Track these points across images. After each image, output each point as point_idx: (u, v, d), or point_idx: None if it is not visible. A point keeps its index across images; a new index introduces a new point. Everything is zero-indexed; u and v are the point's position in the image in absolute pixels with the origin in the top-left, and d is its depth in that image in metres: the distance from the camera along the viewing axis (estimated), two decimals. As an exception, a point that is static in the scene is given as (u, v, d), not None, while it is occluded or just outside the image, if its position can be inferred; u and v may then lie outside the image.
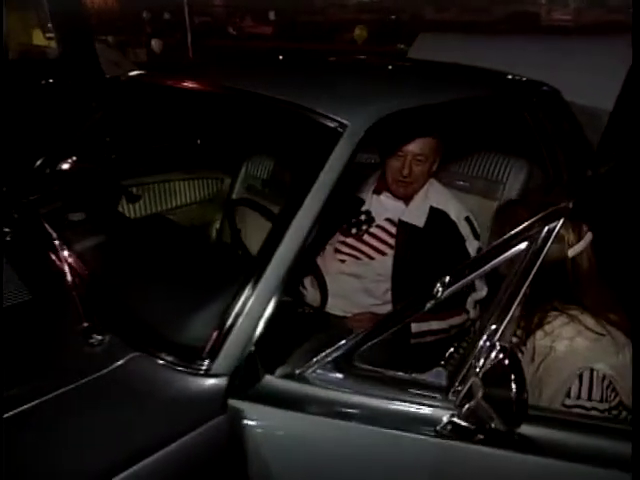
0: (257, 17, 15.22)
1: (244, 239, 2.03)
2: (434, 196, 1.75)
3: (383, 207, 1.79)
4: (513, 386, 0.77)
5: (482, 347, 0.84)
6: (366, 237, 1.77)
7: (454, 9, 14.18)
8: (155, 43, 7.51)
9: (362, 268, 1.74)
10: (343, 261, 1.76)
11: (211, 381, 0.97)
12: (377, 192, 1.81)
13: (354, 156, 1.17)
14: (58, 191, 1.77)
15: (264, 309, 1.03)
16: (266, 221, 2.17)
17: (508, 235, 0.91)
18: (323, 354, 0.98)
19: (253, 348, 1.01)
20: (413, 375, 0.92)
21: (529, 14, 12.05)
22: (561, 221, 0.89)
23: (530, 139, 1.86)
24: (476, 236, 1.71)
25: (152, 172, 2.36)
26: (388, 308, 1.73)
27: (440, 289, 0.90)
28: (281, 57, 1.78)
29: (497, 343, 0.82)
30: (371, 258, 1.74)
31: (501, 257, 0.90)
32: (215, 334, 1.01)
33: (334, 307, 1.74)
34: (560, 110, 1.95)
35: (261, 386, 0.98)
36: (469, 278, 0.91)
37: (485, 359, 0.82)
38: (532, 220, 0.91)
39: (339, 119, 1.20)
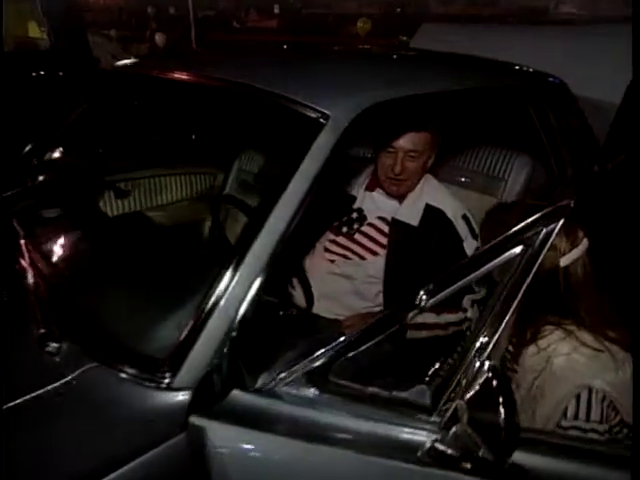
0: (262, 11, 15.09)
1: (235, 230, 1.94)
2: (430, 193, 1.65)
3: (376, 205, 1.70)
4: (502, 411, 0.67)
5: (469, 365, 0.74)
6: (357, 236, 1.67)
7: (460, 2, 13.98)
8: (159, 37, 7.40)
9: (353, 269, 1.64)
10: (333, 261, 1.67)
11: (172, 396, 0.88)
12: (369, 189, 1.71)
13: (339, 148, 1.08)
14: (36, 186, 1.70)
15: (233, 316, 0.94)
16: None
17: (502, 237, 0.81)
18: (296, 367, 0.89)
19: (220, 359, 0.92)
20: (394, 393, 0.83)
21: (537, 7, 11.84)
22: (561, 222, 0.80)
23: (534, 133, 1.76)
24: (474, 236, 1.61)
25: (142, 167, 2.29)
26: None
27: (424, 298, 0.81)
28: (266, 46, 1.69)
29: (486, 361, 0.73)
30: (362, 258, 1.65)
31: (493, 262, 0.80)
32: (178, 344, 0.92)
33: (323, 309, 1.66)
34: (566, 104, 1.85)
35: (227, 402, 0.89)
36: (457, 286, 0.82)
37: (472, 379, 0.73)
38: (529, 221, 0.82)
39: (321, 109, 1.11)
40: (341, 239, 1.69)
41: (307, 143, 1.07)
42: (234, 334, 0.94)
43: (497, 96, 1.60)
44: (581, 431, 0.95)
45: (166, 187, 2.42)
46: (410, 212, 1.63)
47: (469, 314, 1.55)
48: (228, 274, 0.96)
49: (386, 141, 1.54)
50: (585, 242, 1.07)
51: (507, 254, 0.80)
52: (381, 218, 1.67)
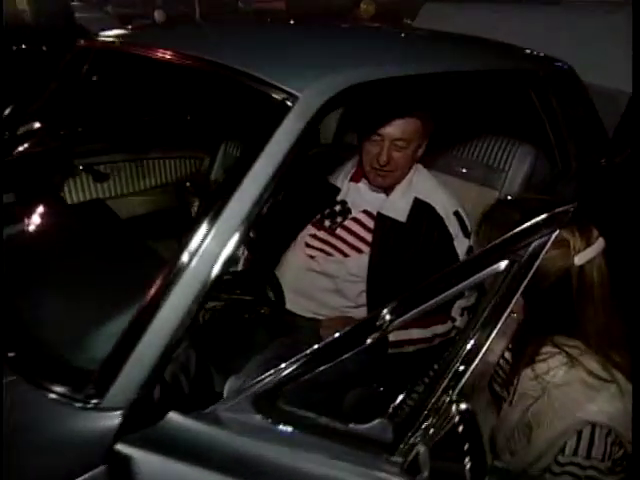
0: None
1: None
2: (419, 186, 1.51)
3: (361, 197, 1.56)
4: (467, 461, 0.55)
5: (438, 401, 0.62)
6: (340, 231, 1.54)
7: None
8: (157, 14, 7.21)
9: (334, 266, 1.51)
10: (312, 257, 1.54)
11: (98, 418, 0.76)
12: (354, 180, 1.57)
13: (308, 133, 0.95)
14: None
15: (176, 324, 0.81)
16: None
17: (481, 250, 0.68)
18: (244, 388, 0.76)
19: (158, 375, 0.80)
20: (351, 425, 0.71)
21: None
22: (555, 234, 0.67)
23: (537, 122, 1.62)
24: (466, 234, 1.47)
25: (122, 149, 2.16)
26: (362, 311, 1.51)
27: (387, 318, 0.68)
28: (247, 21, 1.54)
29: (455, 403, 0.60)
30: (345, 255, 1.52)
31: (471, 279, 0.67)
32: (109, 356, 0.80)
33: (301, 308, 1.54)
34: (574, 91, 1.70)
35: (162, 426, 0.77)
36: (426, 306, 0.69)
37: (439, 419, 0.61)
38: (517, 231, 0.68)
39: (289, 90, 0.97)
40: (322, 234, 1.56)
41: (271, 128, 0.94)
42: (176, 346, 0.81)
43: (496, 80, 1.45)
44: (579, 468, 0.83)
45: (149, 171, 2.31)
46: (397, 206, 1.50)
47: (458, 323, 1.43)
48: (172, 276, 0.83)
49: (371, 127, 1.40)
50: (601, 241, 0.93)
51: (488, 271, 0.66)
52: (366, 212, 1.54)
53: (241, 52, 1.17)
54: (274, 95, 0.98)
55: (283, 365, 0.74)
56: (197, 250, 0.83)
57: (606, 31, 2.08)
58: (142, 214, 2.20)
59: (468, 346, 0.66)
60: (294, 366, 0.76)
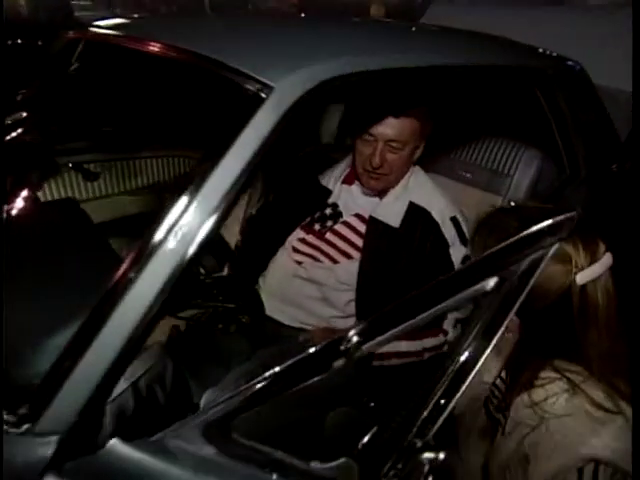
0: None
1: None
2: (415, 190, 1.41)
3: (353, 200, 1.46)
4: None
5: (409, 444, 0.52)
6: (329, 235, 1.44)
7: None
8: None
9: (321, 273, 1.42)
10: (300, 263, 1.45)
11: (29, 445, 0.67)
12: (347, 182, 1.48)
13: (283, 125, 0.86)
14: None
15: (125, 337, 0.72)
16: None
17: (469, 263, 0.58)
18: (196, 415, 0.67)
19: (104, 394, 0.71)
20: (312, 465, 0.61)
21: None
22: (554, 247, 0.57)
23: (544, 124, 1.52)
24: (463, 241, 1.37)
25: (113, 148, 2.09)
26: (351, 322, 1.41)
27: (354, 339, 0.59)
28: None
29: (427, 453, 0.50)
30: (334, 261, 1.42)
31: (454, 299, 0.57)
32: (47, 373, 0.71)
33: (288, 317, 1.45)
34: (585, 92, 1.59)
35: (100, 456, 0.68)
36: (398, 329, 0.59)
37: (406, 467, 0.51)
38: (511, 241, 0.58)
39: (263, 80, 0.88)
40: (311, 238, 1.46)
41: (245, 119, 0.85)
42: (124, 364, 0.72)
43: (497, 76, 1.34)
44: None
45: (141, 170, 2.23)
46: (391, 210, 1.40)
47: (450, 337, 1.32)
48: (125, 283, 0.74)
49: (363, 127, 1.30)
50: (608, 257, 0.83)
51: (473, 290, 0.56)
52: (358, 216, 1.44)
53: (220, 42, 1.08)
54: (248, 86, 0.89)
55: (241, 388, 0.65)
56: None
57: (618, 33, 2.00)
58: (134, 214, 2.13)
59: (452, 374, 0.57)
60: (254, 389, 0.66)
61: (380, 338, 0.59)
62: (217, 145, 0.85)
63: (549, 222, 0.59)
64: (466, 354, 0.56)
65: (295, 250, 1.47)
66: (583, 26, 2.12)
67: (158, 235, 0.76)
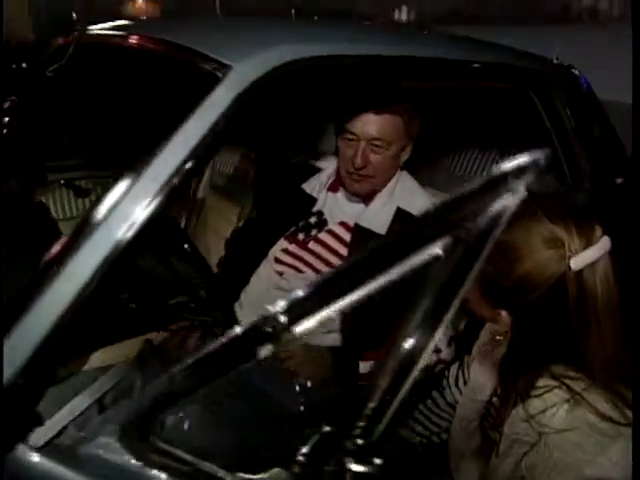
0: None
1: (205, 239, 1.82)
2: (403, 195, 1.33)
3: (339, 207, 1.38)
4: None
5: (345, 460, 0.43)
6: (313, 245, 1.36)
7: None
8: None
9: (303, 284, 1.32)
10: (282, 273, 1.36)
11: None
12: (332, 189, 1.40)
13: (239, 105, 0.80)
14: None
15: (58, 313, 0.65)
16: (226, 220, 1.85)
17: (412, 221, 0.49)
18: (108, 418, 0.58)
19: (15, 394, 0.62)
20: (239, 475, 0.51)
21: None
22: (519, 194, 0.44)
23: (544, 136, 1.44)
24: (454, 250, 1.27)
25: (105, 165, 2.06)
26: (333, 338, 1.31)
27: (281, 319, 0.50)
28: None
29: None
30: (317, 272, 1.33)
31: (393, 271, 0.47)
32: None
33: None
34: (588, 104, 1.52)
35: (5, 463, 0.59)
36: (330, 310, 0.50)
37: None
38: (466, 189, 0.44)
39: (221, 60, 0.83)
40: (294, 247, 1.38)
41: (200, 97, 0.80)
42: (50, 349, 0.64)
43: (481, 74, 1.26)
44: None
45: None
46: (377, 217, 1.31)
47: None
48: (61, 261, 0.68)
49: (344, 125, 1.24)
50: (605, 240, 0.72)
51: (421, 255, 0.46)
52: (343, 224, 1.36)
53: (189, 31, 1.04)
54: (205, 66, 0.84)
55: (156, 384, 0.55)
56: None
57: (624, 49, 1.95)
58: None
59: (395, 365, 0.47)
60: (173, 388, 0.57)
61: (314, 317, 0.50)
62: (170, 125, 0.79)
63: (511, 164, 0.45)
64: (411, 340, 0.47)
65: (277, 261, 1.39)
66: (595, 42, 2.07)
67: (98, 215, 0.71)
